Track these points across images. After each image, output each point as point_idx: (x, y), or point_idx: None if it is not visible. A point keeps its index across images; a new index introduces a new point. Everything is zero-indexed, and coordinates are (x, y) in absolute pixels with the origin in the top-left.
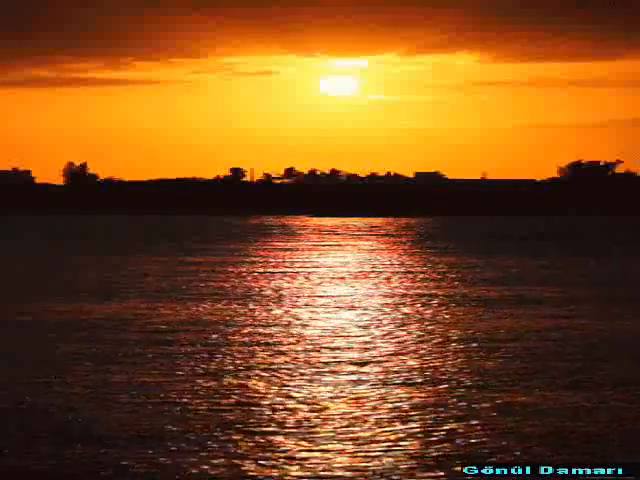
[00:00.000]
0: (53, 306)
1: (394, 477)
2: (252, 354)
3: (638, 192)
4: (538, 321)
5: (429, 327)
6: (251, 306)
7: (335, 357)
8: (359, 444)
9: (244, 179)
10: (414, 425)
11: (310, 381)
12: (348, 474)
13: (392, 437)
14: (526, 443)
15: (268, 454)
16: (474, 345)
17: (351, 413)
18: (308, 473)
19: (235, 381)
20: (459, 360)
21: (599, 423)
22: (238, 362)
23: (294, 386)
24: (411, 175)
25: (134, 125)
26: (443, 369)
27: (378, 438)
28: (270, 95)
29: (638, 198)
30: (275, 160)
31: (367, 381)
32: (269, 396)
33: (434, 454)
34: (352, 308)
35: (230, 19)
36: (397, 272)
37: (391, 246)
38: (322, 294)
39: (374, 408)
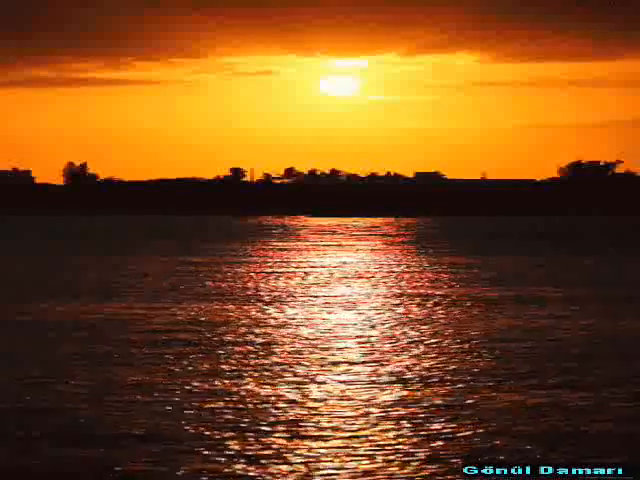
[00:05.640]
0: (53, 306)
1: (394, 477)
2: (251, 354)
3: (638, 192)
4: (537, 321)
5: (428, 327)
6: (250, 306)
7: (333, 357)
8: (357, 445)
9: (244, 179)
10: (413, 425)
11: (308, 381)
12: (346, 475)
13: (391, 437)
14: (526, 443)
15: (267, 454)
16: (473, 345)
17: (348, 413)
18: (305, 473)
19: (235, 381)
20: (458, 360)
21: (599, 423)
22: (238, 362)
23: (293, 386)
24: (411, 175)
25: (134, 125)
26: (442, 369)
27: (376, 438)
28: (270, 95)
29: (638, 198)
30: (275, 160)
31: (366, 381)
32: (268, 397)
33: (434, 454)
34: (351, 308)
35: (230, 19)
36: (396, 272)
37: (390, 246)
38: (321, 294)
39: (372, 408)
